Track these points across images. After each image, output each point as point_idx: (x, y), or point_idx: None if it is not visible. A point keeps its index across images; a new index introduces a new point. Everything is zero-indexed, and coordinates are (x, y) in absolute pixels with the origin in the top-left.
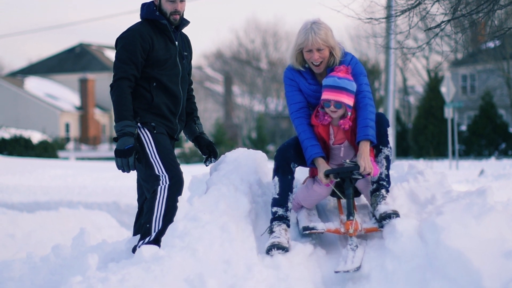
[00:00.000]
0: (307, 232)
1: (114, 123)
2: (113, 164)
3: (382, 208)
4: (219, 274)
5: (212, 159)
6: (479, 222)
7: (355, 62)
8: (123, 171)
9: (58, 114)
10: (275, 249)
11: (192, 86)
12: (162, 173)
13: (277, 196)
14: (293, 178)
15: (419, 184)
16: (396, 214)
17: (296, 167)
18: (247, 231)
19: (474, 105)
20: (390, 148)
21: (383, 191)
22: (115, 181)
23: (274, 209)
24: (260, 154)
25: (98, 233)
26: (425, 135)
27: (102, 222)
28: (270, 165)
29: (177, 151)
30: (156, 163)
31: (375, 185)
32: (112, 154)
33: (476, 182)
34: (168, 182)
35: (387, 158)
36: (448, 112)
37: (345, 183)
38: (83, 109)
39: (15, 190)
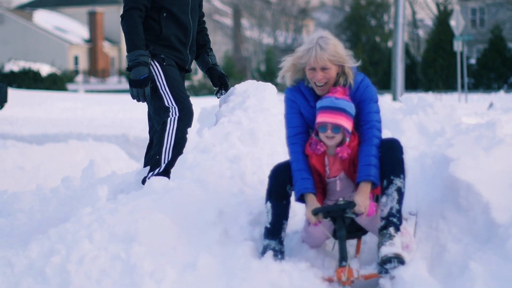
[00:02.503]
0: None
1: (126, 54)
2: (122, 97)
3: (384, 250)
4: (229, 205)
5: (223, 91)
6: (489, 154)
7: (366, 86)
8: (138, 100)
9: (67, 47)
10: None
11: (203, 19)
12: (172, 104)
13: (269, 226)
14: (288, 202)
15: (428, 117)
16: (399, 258)
17: (293, 190)
18: (258, 162)
19: (483, 39)
20: (404, 178)
21: (392, 229)
22: (124, 114)
23: (266, 242)
24: (269, 86)
25: (107, 165)
26: (434, 69)
27: (111, 154)
28: (280, 97)
29: (186, 83)
30: (166, 95)
31: (383, 222)
32: (121, 87)
33: (485, 115)
34: (177, 114)
35: (399, 191)
36: (457, 46)
37: (337, 223)
38: (92, 42)
39: (24, 123)
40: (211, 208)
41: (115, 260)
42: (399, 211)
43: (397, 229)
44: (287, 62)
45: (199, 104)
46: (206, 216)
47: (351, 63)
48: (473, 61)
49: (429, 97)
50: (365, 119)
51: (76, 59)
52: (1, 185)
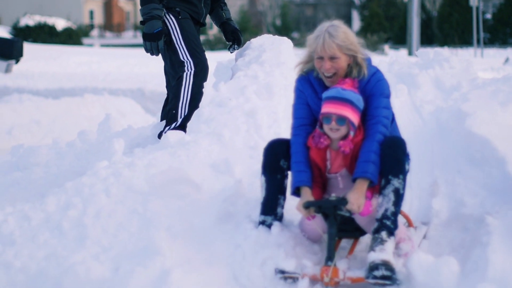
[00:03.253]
0: (280, 276)
1: (140, 7)
2: (137, 51)
3: (372, 256)
4: (245, 159)
5: (236, 46)
6: (505, 109)
7: (378, 79)
8: (152, 54)
9: (82, 1)
10: None
11: None
12: (187, 59)
13: (264, 201)
14: (284, 177)
15: (444, 71)
16: (387, 266)
17: (287, 166)
18: (274, 116)
19: None
20: (404, 179)
21: (384, 233)
22: (140, 68)
23: (261, 217)
24: (285, 40)
25: (123, 119)
26: (450, 23)
27: (127, 108)
28: (295, 51)
29: (201, 38)
30: (181, 48)
31: (377, 224)
32: (136, 41)
33: (501, 70)
34: (193, 69)
35: (397, 193)
36: (473, 0)
37: (328, 219)
38: None
39: (40, 77)
40: (226, 162)
41: (131, 214)
42: (394, 213)
43: (391, 233)
44: (303, 53)
45: (215, 58)
46: (222, 170)
47: (363, 53)
48: (488, 15)
49: (445, 52)
50: (371, 113)
51: (91, 13)
52: (17, 139)
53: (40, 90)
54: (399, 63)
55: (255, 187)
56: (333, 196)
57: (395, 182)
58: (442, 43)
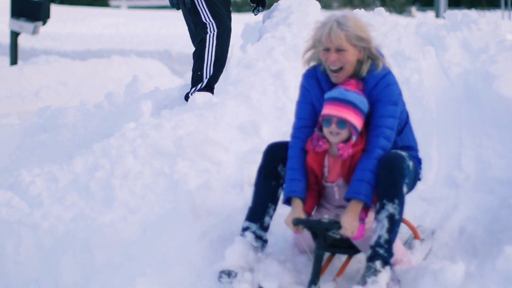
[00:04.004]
0: None
1: None
2: (165, 13)
3: None
4: (272, 121)
5: (260, 8)
6: None
7: (387, 84)
8: (177, 8)
9: None
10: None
11: None
12: (209, 20)
13: (251, 206)
14: (279, 185)
15: (472, 33)
16: None
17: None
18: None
19: None
20: (399, 205)
21: (378, 263)
22: (167, 30)
23: (246, 223)
24: (312, 2)
25: (150, 81)
26: None
27: (154, 70)
28: (323, 13)
29: None
30: (203, 10)
31: (370, 251)
32: (163, 3)
33: None
34: (215, 30)
35: (391, 219)
36: None
37: (317, 240)
38: None
39: (67, 39)
40: (253, 123)
41: (159, 175)
42: (388, 241)
43: (385, 262)
44: (308, 42)
45: (242, 20)
46: (249, 131)
47: (377, 47)
48: None
49: (473, 14)
50: (375, 123)
51: None
52: (45, 100)
53: (67, 52)
54: (427, 24)
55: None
56: (325, 217)
57: (390, 207)
58: (470, 5)
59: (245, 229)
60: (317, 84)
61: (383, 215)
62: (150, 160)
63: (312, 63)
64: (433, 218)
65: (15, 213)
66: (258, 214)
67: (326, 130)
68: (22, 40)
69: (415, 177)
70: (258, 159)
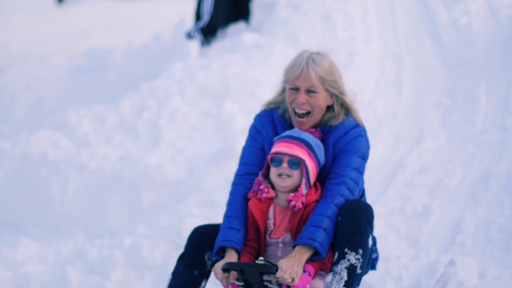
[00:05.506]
0: None
1: None
2: None
3: None
4: None
5: None
6: None
7: (358, 134)
8: None
9: None
10: None
11: None
12: None
13: None
14: (203, 276)
15: None
16: None
17: (214, 261)
18: (349, 19)
19: None
20: (363, 257)
21: None
22: None
23: None
24: None
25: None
26: None
27: None
28: None
29: None
30: None
31: None
32: None
33: None
34: None
35: (352, 271)
36: None
37: None
38: None
39: None
40: None
41: (206, 116)
42: None
43: None
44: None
45: None
46: None
47: (349, 96)
48: None
49: None
50: (337, 171)
51: None
52: (92, 41)
53: None
54: None
55: None
56: (260, 259)
57: (352, 258)
58: None
59: None
60: (272, 126)
61: (342, 265)
62: (197, 100)
63: (271, 106)
64: (481, 162)
65: (62, 153)
66: None
67: (274, 172)
68: None
69: (370, 259)
70: None
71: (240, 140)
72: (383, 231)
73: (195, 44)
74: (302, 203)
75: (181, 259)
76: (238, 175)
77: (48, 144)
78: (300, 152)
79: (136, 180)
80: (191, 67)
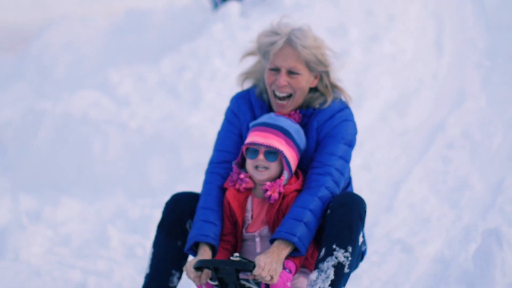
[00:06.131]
0: None
1: None
2: None
3: None
4: (360, 23)
5: None
6: None
7: (344, 118)
8: None
9: None
10: None
11: None
12: None
13: (148, 272)
14: (185, 244)
15: None
16: None
17: None
18: None
19: None
20: (352, 255)
21: None
22: None
23: None
24: None
25: None
26: None
27: None
28: None
29: None
30: None
31: None
32: None
33: None
34: None
35: (339, 269)
36: None
37: None
38: None
39: None
40: (342, 25)
41: None
42: None
43: None
44: (252, 44)
45: None
46: (338, 33)
47: (336, 72)
48: None
49: None
50: (322, 160)
51: None
52: (131, 1)
53: None
54: None
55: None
56: (236, 255)
57: (340, 255)
58: None
59: None
60: (249, 110)
61: (329, 263)
62: (237, 61)
63: (247, 84)
64: None
65: (103, 113)
66: (159, 283)
67: (250, 164)
68: None
69: (359, 254)
70: (347, 63)
71: None
72: (424, 193)
73: (235, 5)
74: (280, 193)
75: (160, 228)
76: (213, 163)
77: (88, 104)
78: (277, 142)
79: (177, 140)
80: (231, 28)
